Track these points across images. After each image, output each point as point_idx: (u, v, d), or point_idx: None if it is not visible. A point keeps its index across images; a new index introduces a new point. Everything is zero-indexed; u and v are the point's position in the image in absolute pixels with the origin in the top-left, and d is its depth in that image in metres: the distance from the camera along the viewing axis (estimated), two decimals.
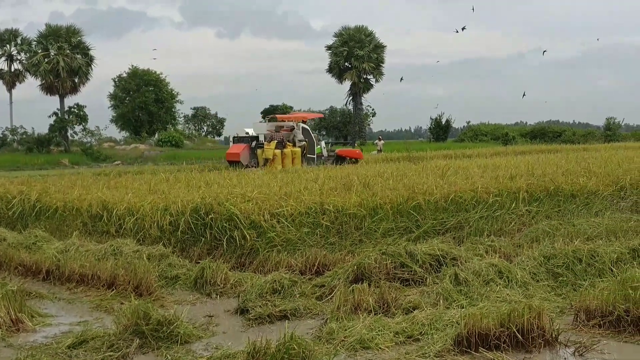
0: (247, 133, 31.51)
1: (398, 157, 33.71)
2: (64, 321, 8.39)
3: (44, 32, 64.55)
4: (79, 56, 64.30)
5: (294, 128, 30.86)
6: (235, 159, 29.35)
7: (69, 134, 64.24)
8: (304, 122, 32.15)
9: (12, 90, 67.20)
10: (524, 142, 66.49)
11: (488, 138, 73.46)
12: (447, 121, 76.38)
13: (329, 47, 75.13)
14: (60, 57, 62.55)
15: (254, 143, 30.32)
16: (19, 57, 66.80)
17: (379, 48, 74.59)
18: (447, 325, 7.14)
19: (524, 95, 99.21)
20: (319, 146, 31.73)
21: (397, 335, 7.05)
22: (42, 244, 12.53)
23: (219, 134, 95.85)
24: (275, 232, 10.76)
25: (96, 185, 16.58)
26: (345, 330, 7.15)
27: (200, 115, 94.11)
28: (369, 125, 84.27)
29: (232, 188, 13.38)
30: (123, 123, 76.48)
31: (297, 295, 8.75)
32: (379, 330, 7.11)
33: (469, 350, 6.52)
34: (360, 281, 8.77)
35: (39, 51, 63.65)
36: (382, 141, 54.15)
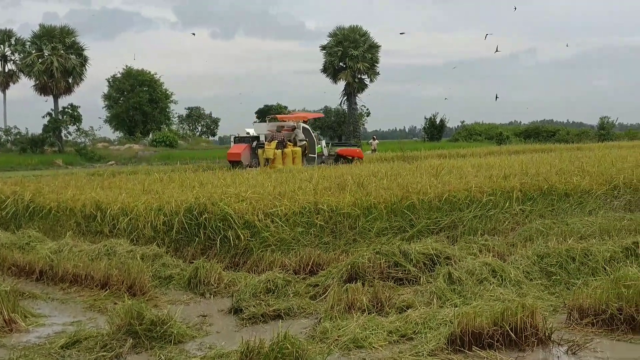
0: (248, 133, 31.59)
1: (392, 157, 33.78)
2: (57, 321, 8.37)
3: (37, 33, 64.34)
4: (73, 56, 64.10)
5: (295, 128, 30.95)
6: (236, 159, 29.47)
7: (62, 135, 64.12)
8: (304, 121, 32.25)
9: (6, 90, 67.02)
10: (518, 141, 66.62)
11: (482, 137, 73.65)
12: (442, 121, 76.52)
13: (323, 47, 75.02)
14: (54, 58, 62.38)
15: (254, 143, 30.38)
16: (12, 58, 66.59)
17: (374, 48, 74.48)
18: (440, 324, 7.13)
19: (496, 97, 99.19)
20: (319, 145, 31.83)
21: (390, 335, 7.05)
22: (36, 244, 12.52)
23: (214, 134, 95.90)
24: (269, 232, 10.76)
25: (90, 186, 16.57)
26: (339, 329, 7.14)
27: (194, 116, 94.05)
28: (363, 125, 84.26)
29: (226, 188, 13.38)
30: (117, 123, 76.40)
31: (291, 295, 8.74)
32: (372, 330, 7.11)
33: (462, 349, 6.52)
34: (354, 280, 8.77)
35: (33, 51, 63.46)
36: (376, 141, 54.16)
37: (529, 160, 20.20)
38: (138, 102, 74.20)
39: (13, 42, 66.23)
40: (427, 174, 15.58)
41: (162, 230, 11.67)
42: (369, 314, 7.64)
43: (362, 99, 77.59)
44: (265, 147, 29.09)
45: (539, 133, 73.68)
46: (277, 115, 37.60)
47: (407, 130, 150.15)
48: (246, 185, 14.16)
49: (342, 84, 75.14)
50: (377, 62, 74.88)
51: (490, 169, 16.74)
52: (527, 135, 73.41)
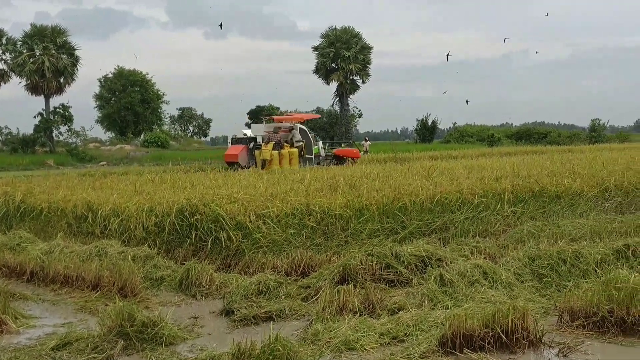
0: (245, 134, 31.73)
1: (384, 158, 33.84)
2: (48, 323, 8.35)
3: (29, 32, 64.10)
4: (64, 56, 63.89)
5: (292, 129, 31.07)
6: (233, 160, 29.62)
7: (54, 135, 63.93)
8: (301, 123, 32.39)
9: None
10: (510, 143, 66.79)
11: (474, 139, 73.71)
12: (434, 122, 76.63)
13: (315, 48, 75.01)
14: (45, 57, 62.17)
15: (252, 144, 30.50)
16: (3, 57, 66.11)
17: (366, 49, 74.52)
18: (432, 326, 7.15)
19: (467, 101, 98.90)
20: (316, 146, 31.94)
21: (382, 337, 7.06)
22: (27, 245, 12.48)
23: (205, 135, 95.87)
24: (261, 233, 10.75)
25: (81, 186, 16.54)
26: (331, 331, 7.15)
27: (186, 116, 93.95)
28: (355, 126, 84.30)
29: (218, 189, 13.37)
30: (109, 124, 76.23)
31: (283, 297, 8.74)
32: (364, 332, 7.12)
33: (453, 351, 6.54)
34: (346, 282, 8.78)
35: (24, 51, 63.21)
36: (368, 142, 54.17)
37: (520, 162, 20.25)
38: (130, 102, 74.06)
39: (4, 42, 65.80)
40: (419, 176, 15.60)
41: (154, 231, 11.65)
42: (360, 315, 7.65)
43: (354, 100, 77.70)
44: (262, 148, 29.20)
45: (531, 135, 73.83)
46: (274, 117, 37.69)
47: (399, 131, 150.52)
48: (238, 186, 14.15)
49: (334, 85, 75.19)
50: (369, 63, 74.96)
51: (482, 171, 16.77)
52: (519, 137, 73.56)
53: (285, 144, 29.85)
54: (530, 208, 13.13)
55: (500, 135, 73.30)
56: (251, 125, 34.89)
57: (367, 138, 57.58)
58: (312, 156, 31.12)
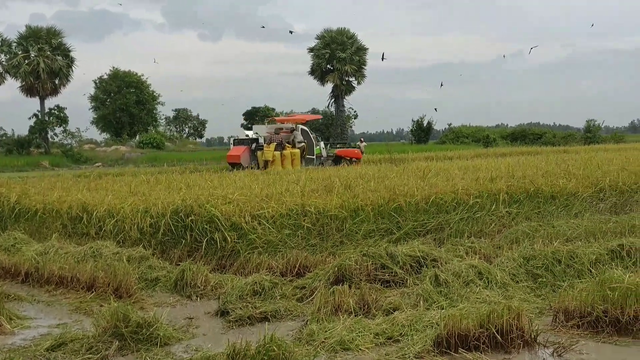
0: (247, 135, 31.91)
1: (380, 159, 33.87)
2: (42, 323, 8.33)
3: (24, 34, 63.99)
4: (59, 58, 63.82)
5: (294, 130, 31.25)
6: (235, 161, 29.78)
7: (49, 136, 63.80)
8: (303, 124, 32.60)
9: None
10: (505, 144, 66.89)
11: (469, 140, 73.81)
12: (429, 123, 76.68)
13: (311, 50, 75.08)
14: (40, 59, 62.08)
15: (254, 145, 30.64)
16: None
17: (361, 50, 74.64)
18: (427, 327, 7.15)
19: (435, 109, 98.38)
20: (318, 147, 32.07)
21: (377, 337, 7.06)
22: (21, 246, 12.46)
23: (201, 136, 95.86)
24: (256, 234, 10.75)
25: (76, 187, 16.50)
26: (326, 331, 7.14)
27: (181, 117, 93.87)
28: (351, 127, 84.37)
29: (213, 190, 13.35)
30: (104, 125, 76.12)
31: (278, 297, 8.74)
32: (359, 332, 7.12)
33: (448, 351, 6.54)
34: (341, 283, 8.78)
35: (19, 52, 63.11)
36: (364, 143, 54.12)
37: (515, 163, 20.25)
38: (125, 103, 73.99)
39: None
40: (414, 177, 15.60)
41: (149, 232, 11.63)
42: (355, 316, 7.65)
43: (349, 101, 77.76)
44: (265, 149, 29.45)
45: (526, 136, 73.95)
46: (276, 118, 37.88)
47: (394, 132, 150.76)
48: (233, 187, 14.14)
49: (329, 86, 75.27)
50: (365, 65, 75.13)
51: (477, 172, 16.77)
52: (514, 137, 73.68)
53: (287, 144, 30.02)
54: (525, 208, 13.14)
55: (495, 136, 73.46)
56: (254, 126, 35.06)
57: (362, 139, 57.57)
58: (314, 157, 31.29)
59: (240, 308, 8.25)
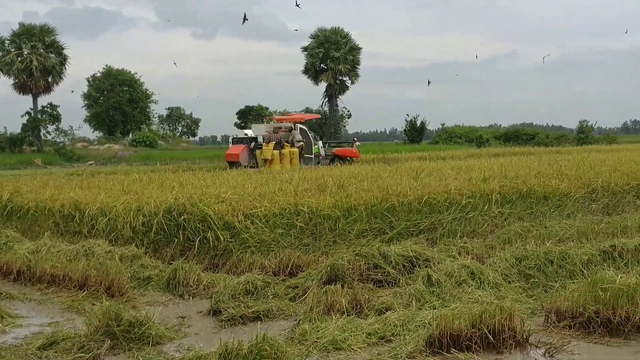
0: (246, 134, 32.06)
1: (373, 159, 33.88)
2: (34, 322, 8.31)
3: (17, 31, 63.90)
4: (52, 55, 63.71)
5: (292, 129, 31.39)
6: (234, 160, 29.93)
7: (41, 134, 63.66)
8: (301, 123, 32.73)
9: None
10: (498, 144, 66.88)
11: (462, 140, 73.82)
12: (422, 123, 76.63)
13: (304, 49, 75.04)
14: (33, 56, 61.97)
15: (252, 144, 30.78)
16: None
17: (355, 50, 74.63)
18: (419, 327, 7.16)
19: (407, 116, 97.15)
20: (316, 146, 32.20)
21: (369, 336, 7.06)
22: (13, 244, 12.41)
23: (194, 135, 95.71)
24: (249, 233, 10.74)
25: (69, 186, 16.47)
26: (318, 331, 7.14)
27: (174, 116, 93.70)
28: (344, 126, 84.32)
29: (206, 189, 13.33)
30: (97, 123, 75.96)
31: (270, 297, 8.74)
32: (351, 332, 7.12)
33: (440, 351, 6.55)
34: (334, 282, 8.78)
35: (12, 50, 62.97)
36: (357, 142, 54.12)
37: (508, 163, 20.30)
38: (118, 101, 73.83)
39: None
40: (407, 176, 15.62)
41: (141, 230, 11.61)
42: (348, 315, 7.65)
43: (343, 101, 77.73)
44: (263, 148, 29.59)
45: (519, 136, 73.96)
46: (275, 117, 37.93)
47: (387, 132, 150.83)
48: (226, 186, 14.13)
49: (323, 86, 75.25)
50: (358, 64, 75.13)
51: (470, 172, 16.80)
52: (507, 138, 73.64)
53: (286, 143, 30.15)
54: (517, 209, 13.17)
55: (488, 136, 73.44)
56: (252, 125, 35.24)
57: (355, 139, 57.54)
58: (312, 156, 31.45)
59: (233, 307, 8.24)
